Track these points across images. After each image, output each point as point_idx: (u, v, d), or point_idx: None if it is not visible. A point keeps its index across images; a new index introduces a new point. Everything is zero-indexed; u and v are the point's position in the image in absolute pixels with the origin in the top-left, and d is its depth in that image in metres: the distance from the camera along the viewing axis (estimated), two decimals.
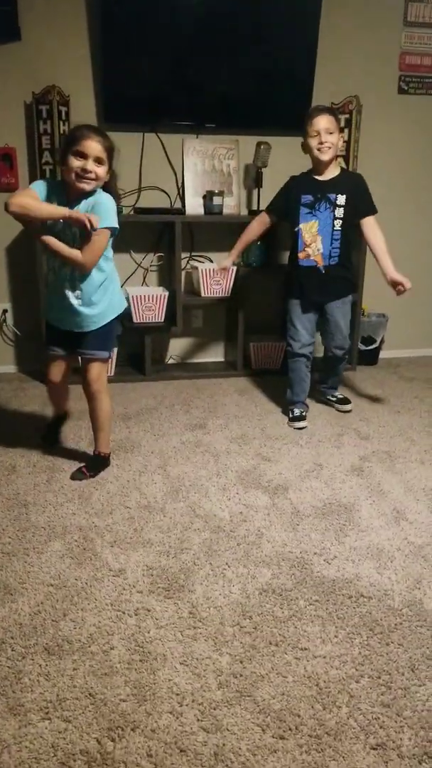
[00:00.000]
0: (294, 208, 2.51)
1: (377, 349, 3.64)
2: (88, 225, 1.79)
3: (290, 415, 2.70)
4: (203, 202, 3.24)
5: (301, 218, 2.50)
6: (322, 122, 2.40)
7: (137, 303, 3.14)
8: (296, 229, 2.52)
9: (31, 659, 1.29)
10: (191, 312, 3.49)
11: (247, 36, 3.09)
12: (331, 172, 2.49)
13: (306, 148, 2.47)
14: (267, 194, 3.30)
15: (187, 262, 3.39)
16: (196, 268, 3.24)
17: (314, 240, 2.50)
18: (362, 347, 3.56)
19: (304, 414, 2.70)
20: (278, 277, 3.50)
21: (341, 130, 2.51)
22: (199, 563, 1.66)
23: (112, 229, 1.91)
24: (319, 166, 2.48)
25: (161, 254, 3.37)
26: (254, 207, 3.34)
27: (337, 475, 2.22)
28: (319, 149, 2.41)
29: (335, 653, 1.35)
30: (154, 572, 1.62)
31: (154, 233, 3.31)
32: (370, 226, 2.53)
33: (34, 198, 1.84)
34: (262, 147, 3.17)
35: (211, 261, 3.42)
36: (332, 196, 2.47)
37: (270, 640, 1.38)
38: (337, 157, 2.53)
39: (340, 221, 2.48)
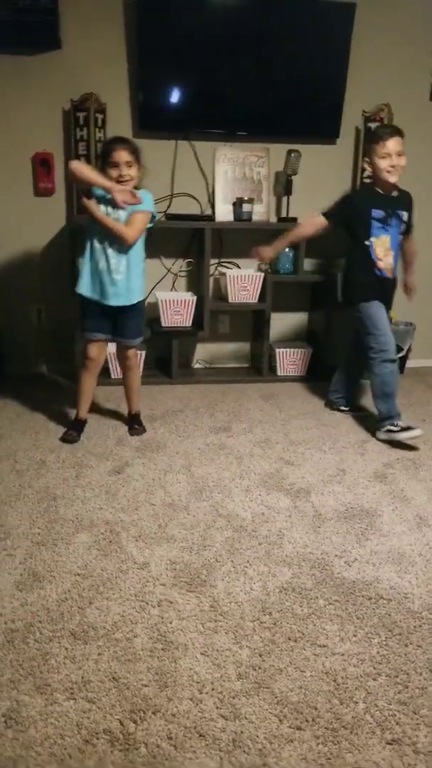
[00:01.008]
0: (364, 221, 2.55)
1: (404, 358, 3.64)
2: (133, 199, 2.26)
3: (397, 427, 2.52)
4: (233, 208, 3.30)
5: (373, 232, 2.56)
6: (394, 145, 2.46)
7: (166, 307, 3.20)
8: (367, 243, 2.57)
9: (57, 642, 1.34)
10: (218, 317, 3.55)
11: (280, 45, 3.15)
12: (395, 190, 2.58)
13: (372, 165, 2.53)
14: (297, 201, 3.35)
15: (216, 268, 3.44)
16: (224, 274, 3.30)
17: (387, 254, 2.59)
18: None
19: (405, 424, 2.55)
20: (305, 285, 3.55)
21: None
22: (221, 560, 1.70)
23: (151, 214, 2.38)
24: (385, 185, 2.54)
25: (190, 260, 3.43)
26: (283, 214, 3.38)
27: (360, 481, 2.23)
28: (389, 171, 2.49)
29: (353, 651, 1.37)
30: (177, 567, 1.66)
31: (185, 239, 3.37)
32: (410, 239, 2.73)
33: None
34: (292, 155, 3.22)
35: (239, 267, 3.46)
36: (400, 212, 2.58)
37: (289, 636, 1.40)
38: None
39: (400, 236, 2.64)
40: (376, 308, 2.59)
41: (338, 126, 3.33)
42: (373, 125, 3.28)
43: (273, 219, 3.43)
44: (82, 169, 2.29)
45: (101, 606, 1.47)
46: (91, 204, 2.31)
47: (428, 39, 3.38)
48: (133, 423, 2.66)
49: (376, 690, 1.26)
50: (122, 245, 2.34)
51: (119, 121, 3.13)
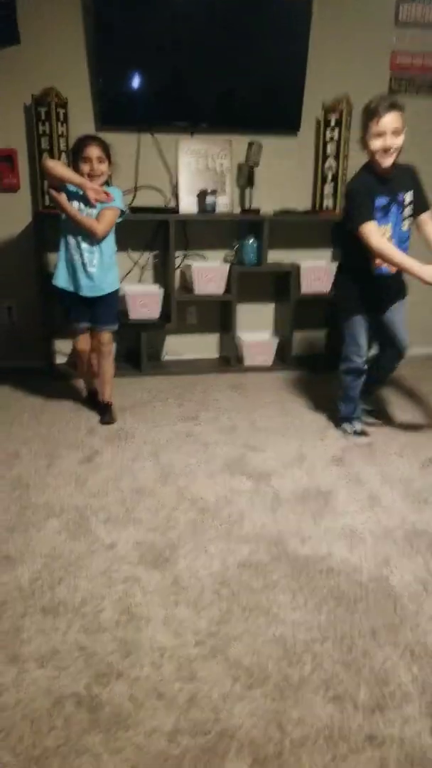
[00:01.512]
0: None
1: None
2: (105, 197, 2.40)
3: (352, 430, 2.60)
4: (197, 200, 3.37)
5: (377, 222, 2.24)
6: (390, 121, 2.09)
7: (133, 300, 3.27)
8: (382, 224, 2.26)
9: (29, 618, 1.44)
10: (186, 309, 3.63)
11: (239, 38, 3.21)
12: (392, 170, 2.21)
13: (365, 145, 2.19)
14: (258, 193, 3.44)
15: (182, 260, 3.52)
16: (190, 265, 3.38)
17: (384, 231, 2.27)
18: None
19: (364, 429, 2.61)
20: (269, 275, 3.65)
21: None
22: (184, 540, 1.81)
23: (120, 210, 2.51)
24: (382, 168, 2.19)
25: (156, 252, 3.50)
26: (247, 205, 3.47)
27: (319, 465, 2.36)
28: (382, 154, 2.14)
29: (303, 619, 1.49)
30: (143, 547, 1.76)
31: (150, 231, 3.44)
32: (427, 223, 2.30)
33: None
34: (253, 146, 3.30)
35: (205, 258, 3.55)
36: (401, 195, 2.24)
37: (245, 607, 1.52)
38: None
39: (408, 220, 2.29)
40: (357, 322, 2.42)
41: (299, 118, 3.42)
42: (332, 117, 3.38)
43: (237, 210, 3.52)
44: (57, 167, 2.39)
45: (70, 584, 1.58)
46: (62, 198, 2.41)
47: (386, 31, 3.47)
48: (105, 412, 2.74)
49: (322, 653, 1.39)
50: (93, 240, 2.46)
51: (81, 115, 3.18)
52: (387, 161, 2.16)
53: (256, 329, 3.71)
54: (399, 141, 2.13)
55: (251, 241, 3.41)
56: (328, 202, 3.53)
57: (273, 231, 3.43)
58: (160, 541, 1.80)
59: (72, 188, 2.41)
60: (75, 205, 2.43)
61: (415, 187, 2.26)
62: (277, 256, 3.59)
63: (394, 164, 2.19)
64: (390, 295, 2.41)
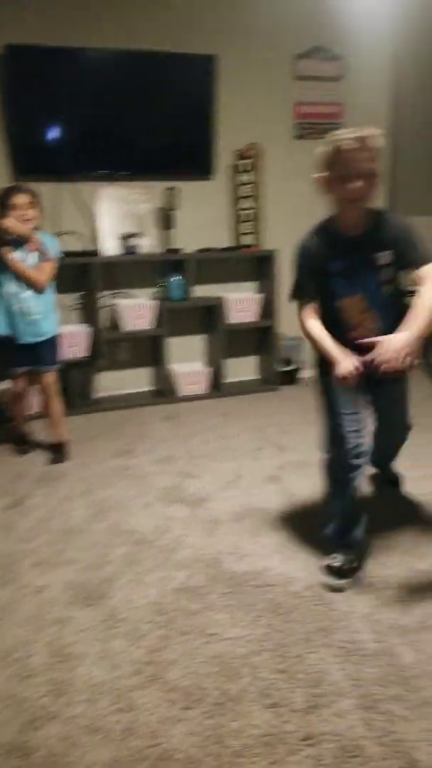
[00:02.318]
0: (324, 281, 1.71)
1: (296, 370, 3.89)
2: (45, 251, 2.55)
3: (331, 567, 1.70)
4: (120, 243, 3.45)
5: (338, 291, 1.70)
6: (355, 157, 1.53)
7: (62, 340, 3.27)
8: (336, 305, 1.72)
9: None
10: (116, 345, 3.66)
11: (152, 93, 3.38)
12: (362, 221, 1.65)
13: (324, 188, 1.62)
14: (181, 233, 3.55)
15: (110, 299, 3.56)
16: (117, 304, 3.43)
17: (364, 318, 1.71)
18: (282, 368, 3.81)
19: (347, 565, 1.72)
20: (197, 309, 3.74)
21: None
22: (119, 573, 1.79)
23: (56, 259, 2.62)
24: (346, 217, 1.65)
25: (83, 293, 3.54)
26: (169, 246, 3.56)
27: (255, 484, 2.39)
28: (349, 195, 1.57)
29: (241, 635, 1.50)
30: (75, 586, 1.73)
31: (75, 273, 3.47)
32: (420, 279, 1.61)
33: None
34: (170, 192, 3.43)
35: (133, 297, 3.60)
36: (372, 256, 1.66)
37: (182, 631, 1.52)
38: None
39: (389, 286, 1.70)
40: (345, 394, 1.70)
41: (212, 164, 3.58)
42: (245, 162, 3.56)
43: (160, 250, 3.61)
44: (12, 224, 2.48)
45: None
46: (7, 253, 2.51)
47: (288, 84, 3.72)
48: (58, 452, 2.73)
49: (259, 664, 1.39)
50: (38, 290, 2.58)
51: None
52: (354, 206, 1.61)
53: (189, 360, 3.77)
54: (359, 184, 1.54)
55: (176, 278, 3.50)
56: (246, 240, 3.69)
57: (197, 268, 3.54)
58: (95, 577, 1.77)
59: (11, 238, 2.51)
60: (18, 255, 2.53)
61: (397, 245, 1.64)
62: (203, 291, 3.69)
63: (370, 217, 1.65)
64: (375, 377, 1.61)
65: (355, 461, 1.70)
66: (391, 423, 2.01)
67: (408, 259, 1.65)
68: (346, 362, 1.64)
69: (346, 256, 1.69)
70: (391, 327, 1.61)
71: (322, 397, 1.79)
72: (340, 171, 1.56)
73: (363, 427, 1.73)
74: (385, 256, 1.66)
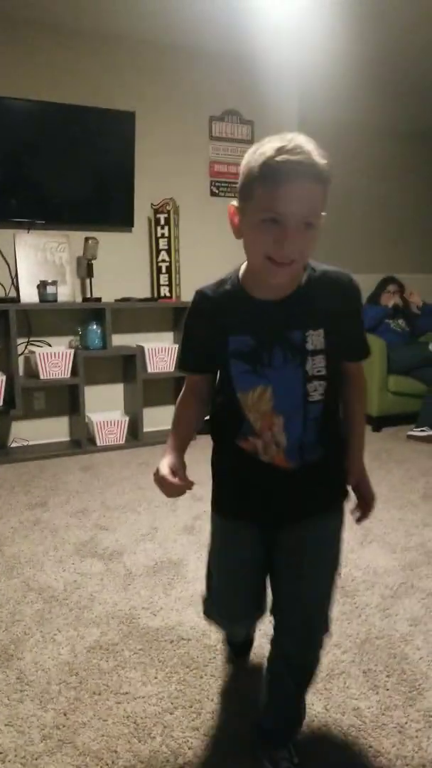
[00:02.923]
0: (220, 358, 1.14)
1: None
2: None
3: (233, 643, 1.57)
4: (38, 290, 3.45)
5: (237, 381, 1.13)
6: (295, 196, 0.94)
7: None
8: (234, 395, 1.14)
9: None
10: (32, 394, 3.60)
11: (72, 145, 3.47)
12: (289, 282, 1.06)
13: (243, 237, 1.04)
14: (99, 282, 3.61)
15: (26, 347, 3.53)
16: (34, 352, 3.40)
17: (270, 424, 1.13)
18: None
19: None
20: (116, 358, 3.78)
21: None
22: (29, 632, 1.74)
23: None
24: (266, 274, 1.02)
25: None
26: (88, 294, 3.61)
27: (170, 536, 2.41)
28: (273, 256, 0.98)
29: (153, 692, 1.50)
30: None
31: None
32: (355, 377, 1.19)
33: None
34: (90, 242, 3.49)
35: (50, 345, 3.59)
36: (295, 334, 1.08)
37: (94, 691, 1.49)
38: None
39: (321, 382, 1.10)
40: (228, 534, 1.27)
41: (132, 216, 3.70)
42: (161, 216, 3.71)
43: (78, 299, 3.65)
44: None
45: None
46: None
47: (203, 144, 3.96)
48: None
49: (171, 723, 1.40)
50: None
51: None
52: (281, 274, 1.01)
53: (107, 409, 3.78)
54: (307, 236, 0.97)
55: (94, 326, 3.53)
56: (165, 291, 3.80)
57: (116, 317, 3.60)
58: (4, 638, 1.71)
59: None
60: None
61: (339, 321, 1.08)
62: (122, 340, 3.75)
63: (302, 269, 1.07)
64: (281, 497, 1.17)
65: (240, 634, 1.48)
66: (300, 596, 1.18)
67: (350, 346, 1.13)
68: (162, 463, 1.15)
69: (253, 329, 1.08)
70: (303, 441, 1.12)
71: (211, 540, 1.33)
72: (261, 210, 0.95)
73: (249, 593, 1.25)
74: (314, 337, 1.07)
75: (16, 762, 1.27)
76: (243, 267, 1.11)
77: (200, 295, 1.15)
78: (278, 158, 0.92)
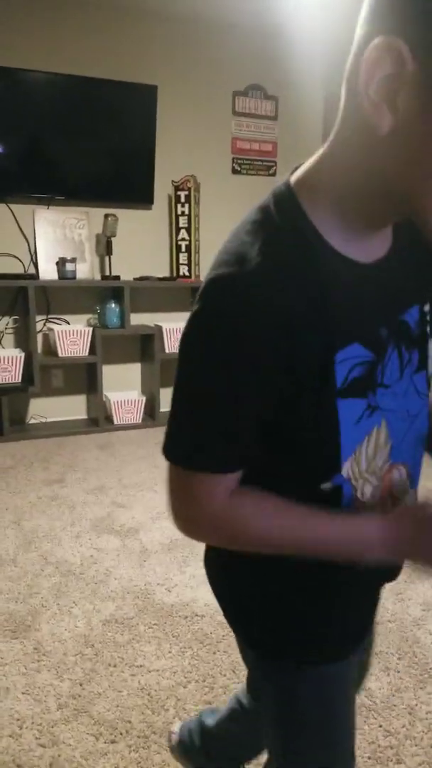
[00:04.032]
0: (305, 413, 0.56)
1: None
2: None
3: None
4: (57, 267, 3.45)
5: (345, 439, 0.58)
6: None
7: None
8: (326, 486, 0.61)
9: None
10: (51, 372, 3.63)
11: (93, 119, 3.43)
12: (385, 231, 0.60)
13: (404, 130, 0.48)
14: (119, 261, 3.60)
15: (44, 324, 3.54)
16: (52, 329, 3.41)
17: (389, 485, 0.65)
18: None
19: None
20: (134, 337, 3.78)
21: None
22: (47, 605, 1.77)
23: None
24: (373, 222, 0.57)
25: (16, 317, 3.50)
26: (107, 273, 3.60)
27: None
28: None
29: (167, 666, 1.52)
30: (2, 617, 1.70)
31: (9, 297, 3.44)
32: None
33: None
34: (109, 219, 3.48)
35: (68, 323, 3.60)
36: (412, 312, 0.63)
37: (109, 663, 1.53)
38: None
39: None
40: (344, 683, 0.72)
41: (152, 193, 3.67)
42: (182, 194, 3.67)
43: (97, 277, 3.64)
44: None
45: None
46: None
47: (226, 120, 3.89)
48: None
49: (185, 696, 1.42)
50: None
51: None
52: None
53: (124, 389, 3.79)
54: None
55: (113, 305, 3.53)
56: (184, 270, 3.78)
57: (134, 296, 3.59)
58: (21, 609, 1.75)
59: None
60: None
61: None
62: (140, 319, 3.74)
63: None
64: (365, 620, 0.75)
65: None
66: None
67: None
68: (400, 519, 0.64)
69: (368, 327, 0.60)
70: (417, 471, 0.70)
71: (293, 704, 0.72)
72: None
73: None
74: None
75: (33, 728, 1.30)
76: (308, 202, 0.57)
77: (262, 291, 0.53)
78: None
